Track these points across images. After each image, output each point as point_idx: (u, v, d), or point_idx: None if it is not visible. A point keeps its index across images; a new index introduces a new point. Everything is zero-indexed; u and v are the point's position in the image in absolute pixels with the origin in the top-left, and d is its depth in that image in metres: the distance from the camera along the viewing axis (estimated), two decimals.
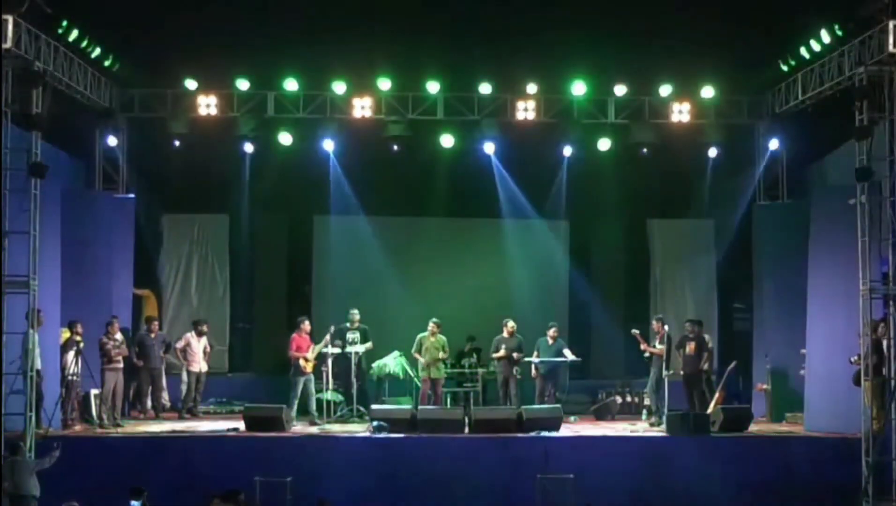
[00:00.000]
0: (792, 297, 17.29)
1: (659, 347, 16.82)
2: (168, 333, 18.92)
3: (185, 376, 18.07)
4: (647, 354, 17.02)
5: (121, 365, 16.50)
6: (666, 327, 17.05)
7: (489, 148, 19.32)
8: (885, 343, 14.35)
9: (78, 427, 15.86)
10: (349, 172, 19.76)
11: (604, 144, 19.19)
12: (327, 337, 16.96)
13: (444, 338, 17.47)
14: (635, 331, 17.14)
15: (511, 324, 17.71)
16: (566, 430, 16.03)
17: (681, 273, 21.06)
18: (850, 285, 14.69)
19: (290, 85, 18.37)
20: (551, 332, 17.73)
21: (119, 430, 15.76)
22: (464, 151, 19.43)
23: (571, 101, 18.71)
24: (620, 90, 18.64)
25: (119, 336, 16.93)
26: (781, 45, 17.25)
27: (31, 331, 14.03)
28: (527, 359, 17.60)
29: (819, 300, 16.15)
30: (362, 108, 18.43)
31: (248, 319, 21.07)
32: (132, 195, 19.10)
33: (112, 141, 18.80)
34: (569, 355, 17.59)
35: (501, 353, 17.60)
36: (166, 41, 17.34)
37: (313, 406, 16.83)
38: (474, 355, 18.43)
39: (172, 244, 20.81)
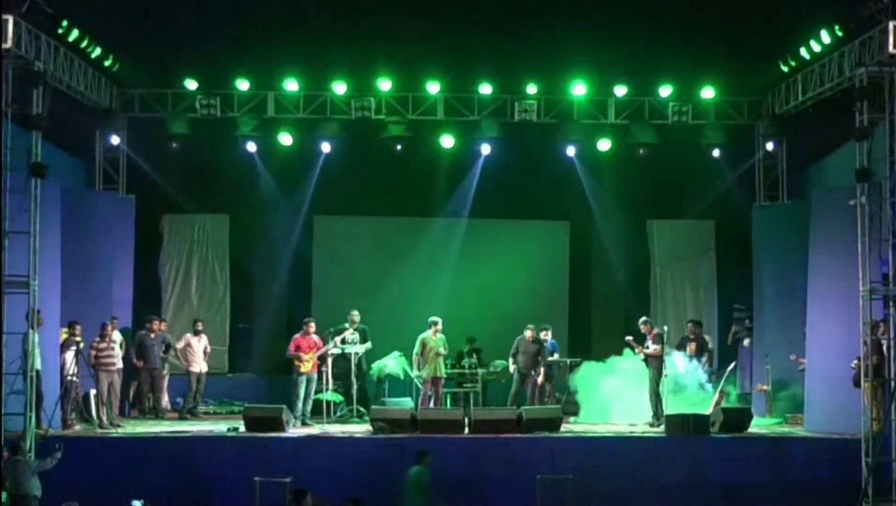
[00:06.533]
0: (792, 297, 17.29)
1: (653, 348, 16.76)
2: (168, 333, 18.88)
3: (190, 377, 18.12)
4: (643, 358, 16.99)
5: (114, 366, 16.38)
6: (662, 328, 17.03)
7: (486, 149, 19.32)
8: (884, 344, 14.35)
9: (78, 427, 15.84)
10: (350, 171, 19.75)
11: (604, 145, 19.20)
12: (337, 339, 17.02)
13: (443, 336, 17.45)
14: (629, 337, 17.09)
15: (533, 327, 17.53)
16: (566, 430, 16.04)
17: (681, 273, 21.09)
18: (851, 286, 14.70)
19: (290, 85, 18.39)
20: (545, 334, 17.73)
21: (119, 430, 15.76)
22: (464, 151, 19.43)
23: (571, 102, 18.72)
24: (620, 90, 18.66)
25: (118, 336, 16.91)
26: (781, 46, 17.24)
27: (31, 331, 14.03)
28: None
29: (819, 301, 16.15)
30: (362, 108, 18.43)
31: (248, 319, 21.08)
32: (132, 195, 19.11)
33: (112, 141, 18.82)
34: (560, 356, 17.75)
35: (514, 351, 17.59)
36: (166, 41, 17.36)
37: (307, 407, 16.74)
38: (474, 356, 18.42)
39: (172, 244, 20.83)
